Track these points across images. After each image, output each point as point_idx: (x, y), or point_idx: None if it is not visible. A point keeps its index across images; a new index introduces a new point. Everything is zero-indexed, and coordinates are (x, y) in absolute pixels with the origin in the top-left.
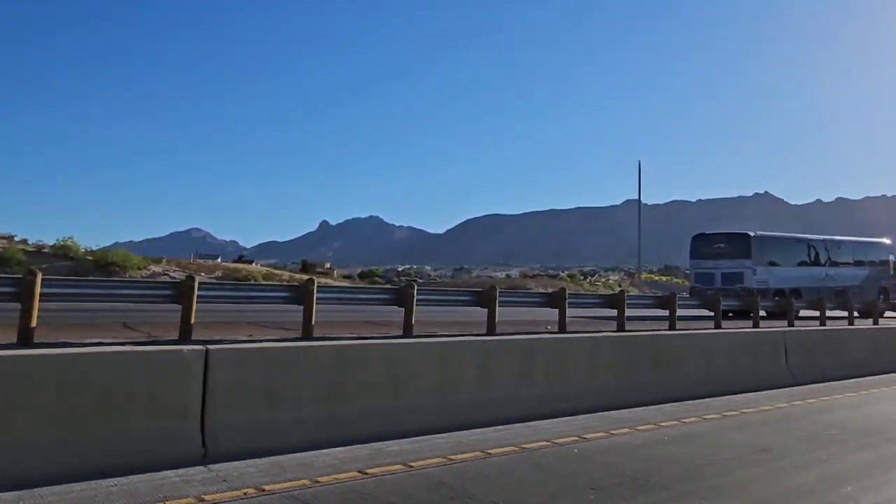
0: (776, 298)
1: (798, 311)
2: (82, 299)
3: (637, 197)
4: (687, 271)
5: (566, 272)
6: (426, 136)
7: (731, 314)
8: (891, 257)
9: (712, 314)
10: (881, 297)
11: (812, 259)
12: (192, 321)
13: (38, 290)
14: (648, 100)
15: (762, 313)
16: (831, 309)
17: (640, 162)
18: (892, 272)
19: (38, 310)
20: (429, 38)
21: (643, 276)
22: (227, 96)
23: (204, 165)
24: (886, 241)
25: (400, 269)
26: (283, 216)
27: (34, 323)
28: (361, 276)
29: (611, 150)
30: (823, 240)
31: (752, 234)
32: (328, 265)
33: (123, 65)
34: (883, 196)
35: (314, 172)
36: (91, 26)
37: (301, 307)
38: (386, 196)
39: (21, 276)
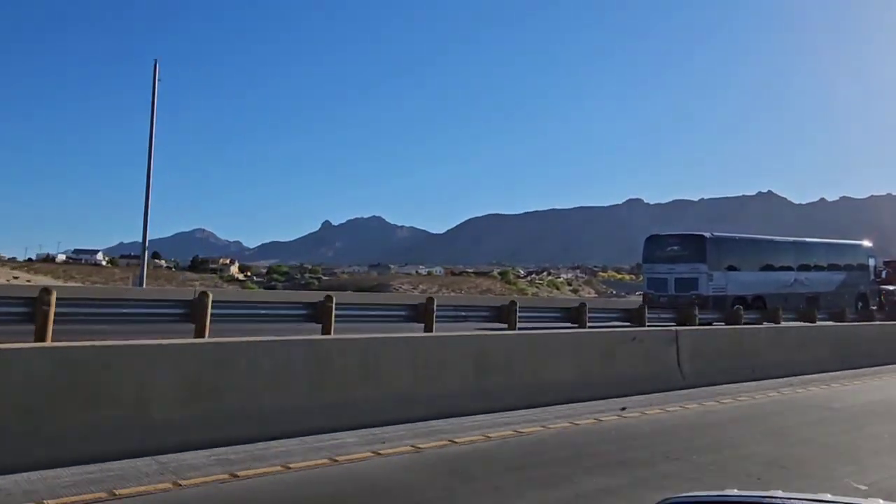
0: (736, 308)
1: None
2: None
3: (640, 197)
4: None
5: (501, 269)
6: (429, 136)
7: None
8: (870, 261)
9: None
10: (859, 304)
11: (778, 263)
12: None
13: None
14: (651, 98)
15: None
16: (790, 319)
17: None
18: (871, 277)
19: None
20: (431, 39)
21: (606, 274)
22: (231, 96)
23: (208, 166)
24: (866, 242)
25: (309, 267)
26: (286, 217)
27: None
28: (269, 272)
29: (613, 150)
30: (792, 242)
31: (707, 235)
32: (229, 260)
33: (122, 65)
34: (889, 195)
35: (317, 173)
36: (95, 26)
37: None
38: (388, 196)
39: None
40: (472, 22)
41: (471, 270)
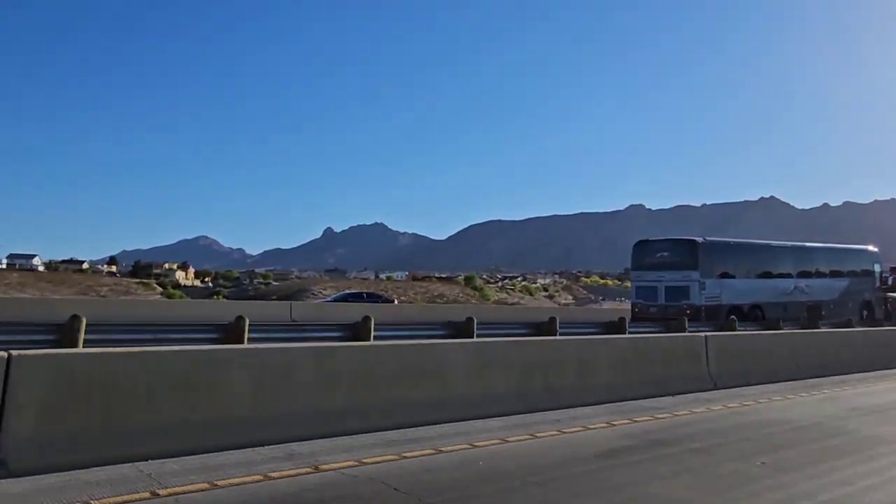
0: (731, 318)
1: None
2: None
3: (642, 202)
4: None
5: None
6: (431, 143)
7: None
8: (875, 266)
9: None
10: (864, 312)
11: (777, 270)
12: None
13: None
14: (654, 105)
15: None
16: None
17: None
18: (877, 283)
19: None
20: (433, 48)
21: (589, 279)
22: (236, 106)
23: (212, 173)
24: (871, 248)
25: (261, 272)
26: (288, 224)
27: None
28: (215, 278)
29: (615, 155)
30: (791, 247)
31: (699, 240)
32: (176, 265)
33: (130, 73)
34: (892, 199)
35: (320, 180)
36: (99, 35)
37: None
38: (391, 203)
39: None
40: (474, 31)
41: (435, 275)
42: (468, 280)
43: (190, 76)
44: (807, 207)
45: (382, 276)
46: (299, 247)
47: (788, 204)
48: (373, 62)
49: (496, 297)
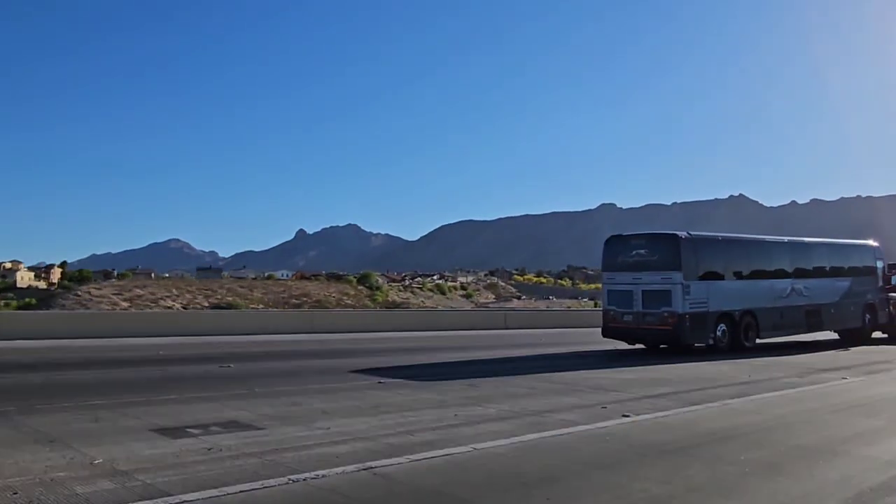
0: (721, 327)
1: (754, 337)
2: None
3: (613, 201)
4: None
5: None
6: (405, 145)
7: (662, 346)
8: (878, 263)
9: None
10: (867, 316)
11: (772, 268)
12: None
13: None
14: (625, 106)
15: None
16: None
17: None
18: (880, 283)
19: None
20: (407, 53)
21: (523, 277)
22: (205, 107)
23: (183, 176)
24: (871, 242)
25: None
26: (260, 226)
27: None
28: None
29: (587, 156)
30: (788, 242)
31: (682, 235)
32: (10, 264)
33: (98, 76)
34: (858, 196)
35: (293, 182)
36: (66, 37)
37: None
38: (364, 204)
39: None
40: (448, 36)
41: (323, 273)
42: (363, 279)
43: (160, 79)
44: (775, 205)
45: (284, 275)
46: (271, 248)
47: (757, 202)
48: (346, 65)
49: (395, 298)
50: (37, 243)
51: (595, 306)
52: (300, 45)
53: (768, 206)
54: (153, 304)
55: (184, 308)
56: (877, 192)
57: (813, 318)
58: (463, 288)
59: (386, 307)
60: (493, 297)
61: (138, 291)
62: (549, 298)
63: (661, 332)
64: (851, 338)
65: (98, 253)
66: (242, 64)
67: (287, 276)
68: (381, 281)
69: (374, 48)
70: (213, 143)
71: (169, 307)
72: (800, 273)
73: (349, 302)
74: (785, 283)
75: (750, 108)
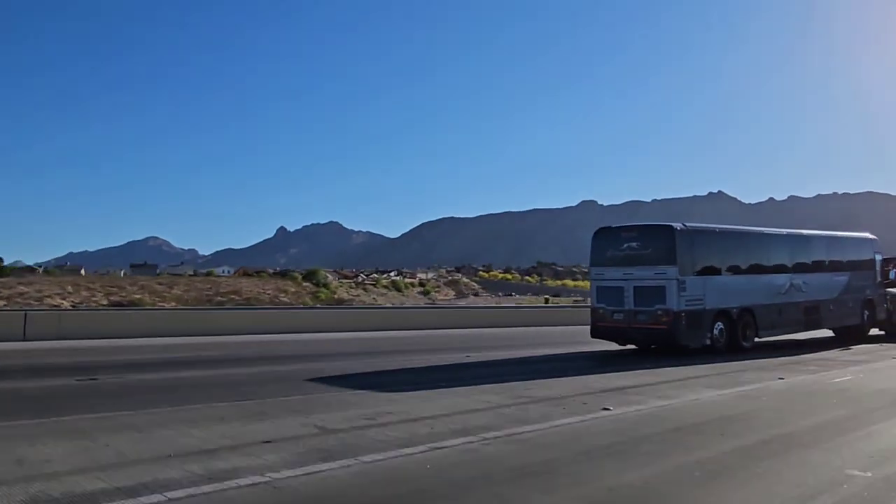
0: (718, 326)
1: (752, 336)
2: None
3: (594, 198)
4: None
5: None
6: (388, 142)
7: (652, 346)
8: (877, 257)
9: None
10: (866, 313)
11: (770, 263)
12: None
13: None
14: (606, 105)
15: (705, 342)
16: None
17: None
18: (878, 278)
19: None
20: (391, 50)
21: (488, 274)
22: (184, 103)
23: (164, 173)
24: (868, 235)
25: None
26: (242, 224)
27: None
28: None
29: (569, 154)
30: (787, 235)
31: (677, 226)
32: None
33: (76, 71)
34: (834, 193)
35: (274, 180)
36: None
37: None
38: (347, 202)
39: None
40: (432, 38)
41: (270, 270)
42: (309, 275)
43: (137, 74)
44: (753, 202)
45: (226, 271)
46: (252, 246)
47: (735, 199)
48: (330, 65)
49: (343, 296)
50: (14, 242)
51: (546, 303)
52: (284, 44)
53: (747, 202)
54: (36, 303)
55: (72, 307)
56: (853, 189)
57: (812, 315)
58: (421, 285)
59: (328, 305)
60: (454, 293)
61: (22, 288)
62: (511, 295)
63: (654, 331)
64: (849, 335)
65: (75, 251)
66: (225, 62)
67: (228, 272)
68: (330, 278)
69: (359, 49)
70: (194, 141)
71: (56, 305)
72: (799, 267)
73: (285, 299)
74: (783, 278)
75: (730, 107)
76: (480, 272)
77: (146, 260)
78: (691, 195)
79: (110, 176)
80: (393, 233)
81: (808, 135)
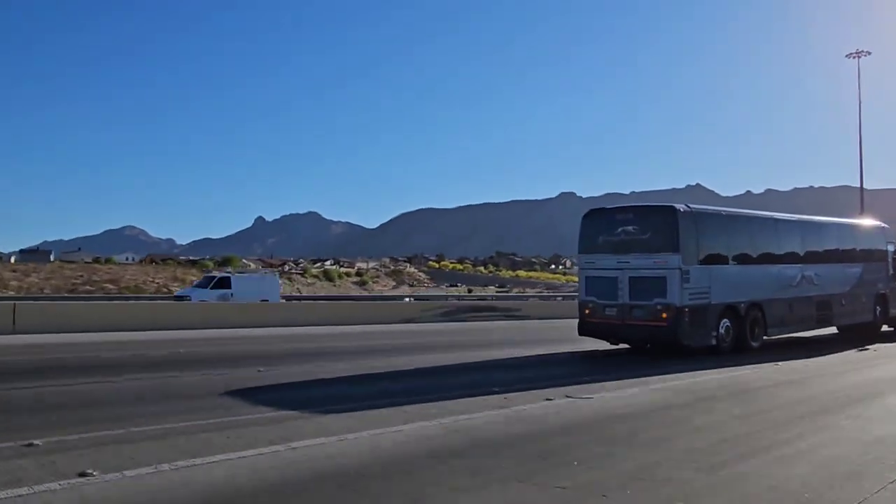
0: (724, 323)
1: (761, 335)
2: None
3: (573, 190)
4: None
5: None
6: (367, 131)
7: (648, 344)
8: (889, 247)
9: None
10: (878, 309)
11: (781, 252)
12: None
13: None
14: (585, 96)
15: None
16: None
17: None
18: (891, 270)
19: None
20: (369, 38)
21: (439, 264)
22: (162, 91)
23: (141, 162)
24: (880, 223)
25: None
26: (219, 213)
27: None
28: None
29: (548, 145)
30: (798, 220)
31: (680, 208)
32: None
33: (49, 55)
34: (811, 187)
35: (252, 169)
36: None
37: None
38: (326, 192)
39: None
40: (408, 24)
41: (182, 259)
42: (223, 263)
43: (114, 62)
44: (731, 195)
45: (130, 258)
46: (229, 236)
47: (713, 191)
48: (305, 52)
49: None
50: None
51: (469, 293)
52: (259, 31)
53: (724, 195)
54: None
55: None
56: (829, 183)
57: (823, 311)
58: (359, 275)
59: None
60: (395, 284)
61: None
62: (456, 285)
63: (652, 329)
64: (859, 334)
65: (49, 239)
66: (200, 49)
67: (133, 259)
68: (253, 266)
69: (334, 36)
70: (172, 128)
71: None
72: (810, 258)
73: (175, 289)
74: (795, 269)
75: (707, 99)
76: (430, 262)
77: (118, 248)
78: (670, 188)
79: (88, 164)
80: (371, 223)
81: (785, 128)
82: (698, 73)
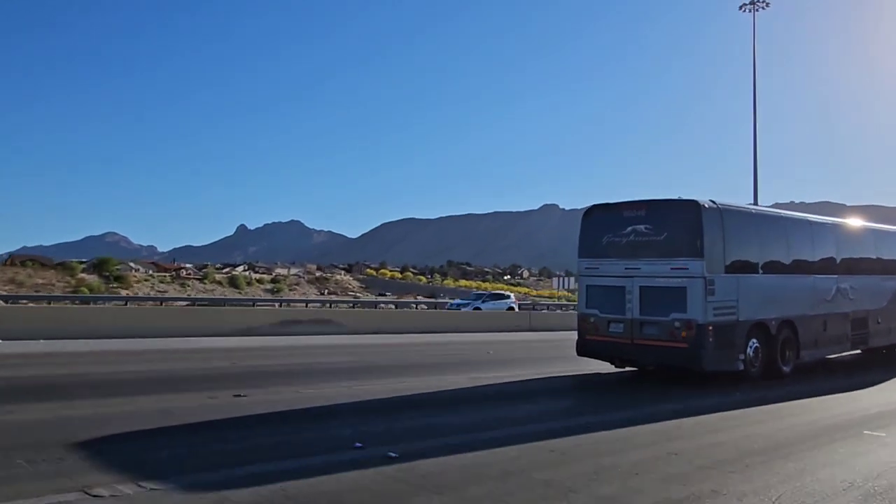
0: (753, 344)
1: (792, 358)
2: None
3: (555, 202)
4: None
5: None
6: (352, 141)
7: (658, 367)
8: None
9: None
10: None
11: (815, 259)
12: None
13: None
14: (567, 107)
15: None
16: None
17: None
18: None
19: None
20: (350, 47)
21: (377, 272)
22: (146, 99)
23: (123, 168)
24: None
25: None
26: (201, 221)
27: None
28: None
29: (530, 157)
30: (832, 223)
31: (704, 204)
32: None
33: (31, 61)
34: (791, 202)
35: (235, 177)
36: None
37: None
38: (309, 201)
39: None
40: (390, 32)
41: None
42: (99, 265)
43: (95, 68)
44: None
45: None
46: (211, 244)
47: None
48: (289, 60)
49: (147, 292)
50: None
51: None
52: (241, 36)
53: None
54: None
55: None
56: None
57: (858, 330)
58: (274, 281)
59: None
60: (318, 292)
61: None
62: (384, 294)
63: (669, 350)
64: (887, 357)
65: (29, 245)
66: (182, 55)
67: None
68: (142, 270)
69: (316, 43)
70: (155, 136)
71: None
72: (845, 268)
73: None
74: (830, 281)
75: (689, 110)
76: (368, 269)
77: (113, 255)
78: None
79: (70, 169)
80: (354, 233)
81: (767, 142)
82: (680, 83)
